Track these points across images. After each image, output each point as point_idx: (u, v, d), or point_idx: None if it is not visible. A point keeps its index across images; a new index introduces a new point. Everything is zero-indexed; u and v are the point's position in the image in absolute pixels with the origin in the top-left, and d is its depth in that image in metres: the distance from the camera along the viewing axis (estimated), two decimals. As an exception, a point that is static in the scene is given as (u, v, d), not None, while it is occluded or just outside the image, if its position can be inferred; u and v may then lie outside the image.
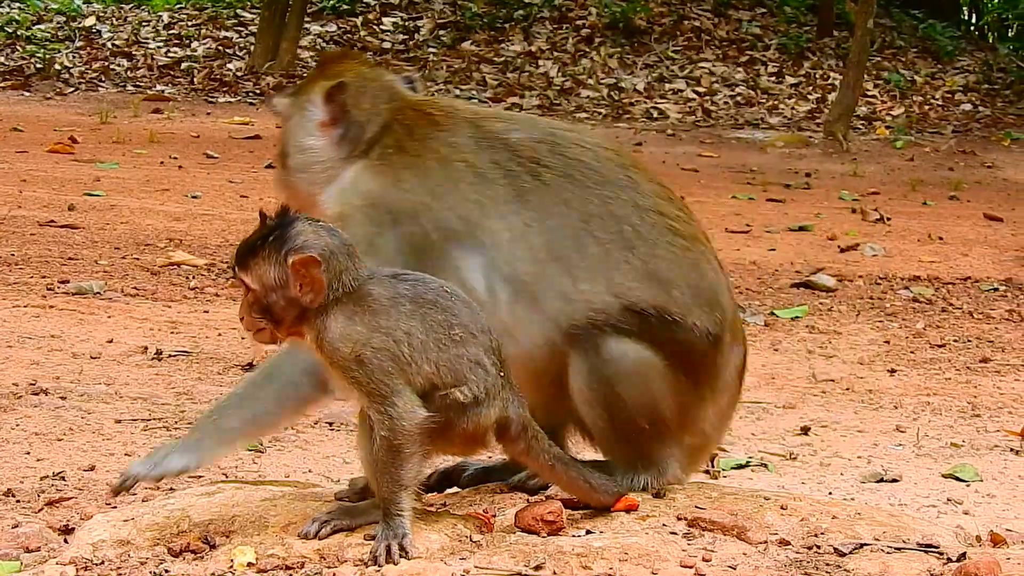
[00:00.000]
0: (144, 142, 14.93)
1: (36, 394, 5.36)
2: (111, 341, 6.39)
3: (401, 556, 2.79)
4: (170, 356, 6.27)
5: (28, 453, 4.70)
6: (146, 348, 6.34)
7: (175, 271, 8.11)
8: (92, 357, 6.11)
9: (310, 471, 4.53)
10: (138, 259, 8.28)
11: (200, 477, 4.07)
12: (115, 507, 3.55)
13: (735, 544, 3.04)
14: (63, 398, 5.38)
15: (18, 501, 4.01)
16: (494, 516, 3.14)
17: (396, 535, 2.81)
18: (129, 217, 9.94)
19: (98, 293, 7.35)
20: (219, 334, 6.74)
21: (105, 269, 8.02)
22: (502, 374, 2.84)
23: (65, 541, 3.35)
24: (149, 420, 5.22)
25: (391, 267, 2.99)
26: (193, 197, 11.16)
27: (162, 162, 13.37)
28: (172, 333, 6.75)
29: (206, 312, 7.23)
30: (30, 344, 6.21)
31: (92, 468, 4.55)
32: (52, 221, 9.31)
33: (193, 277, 7.95)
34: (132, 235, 9.13)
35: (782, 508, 3.22)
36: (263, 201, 11.31)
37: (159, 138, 15.38)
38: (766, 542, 3.07)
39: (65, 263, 8.13)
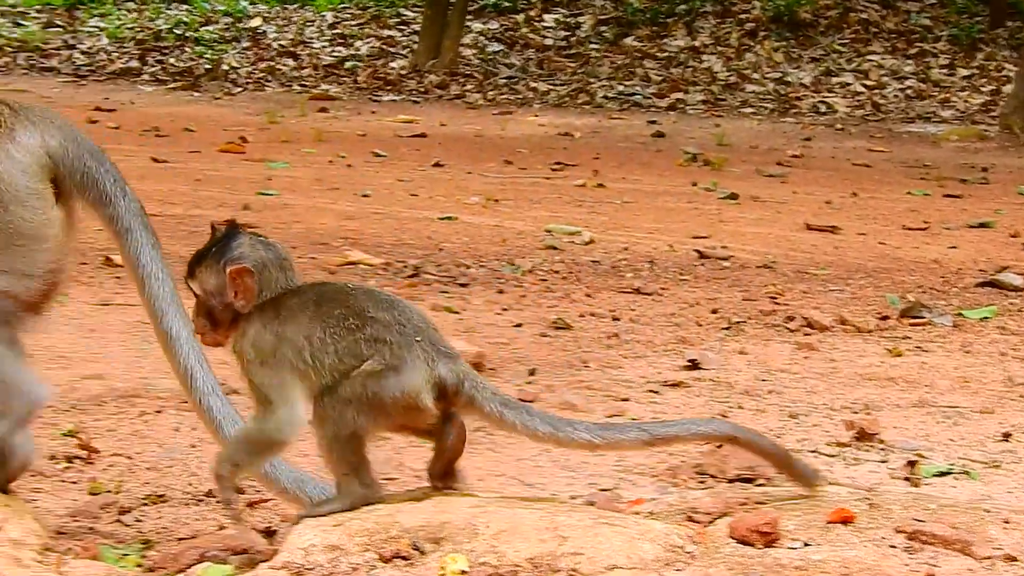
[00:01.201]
0: (312, 141, 15.09)
1: (230, 393, 5.25)
2: None
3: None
4: None
5: None
6: None
7: (352, 270, 8.03)
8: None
9: (503, 475, 4.48)
10: (315, 258, 8.22)
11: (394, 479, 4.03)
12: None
13: (959, 559, 2.95)
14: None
15: (218, 502, 3.90)
16: (706, 526, 3.10)
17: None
18: (303, 216, 10.01)
19: None
20: None
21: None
22: (418, 339, 2.98)
23: (269, 543, 3.37)
24: None
25: None
26: (364, 196, 11.23)
27: (331, 161, 13.49)
28: None
29: None
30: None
31: None
32: (233, 221, 9.33)
33: (371, 276, 7.80)
34: (307, 234, 9.14)
35: (1005, 522, 3.12)
36: (432, 199, 11.35)
37: (326, 137, 15.53)
38: (991, 557, 2.97)
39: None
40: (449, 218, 10.20)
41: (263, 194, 10.85)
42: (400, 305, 3.07)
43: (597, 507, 3.40)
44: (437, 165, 13.67)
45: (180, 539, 3.54)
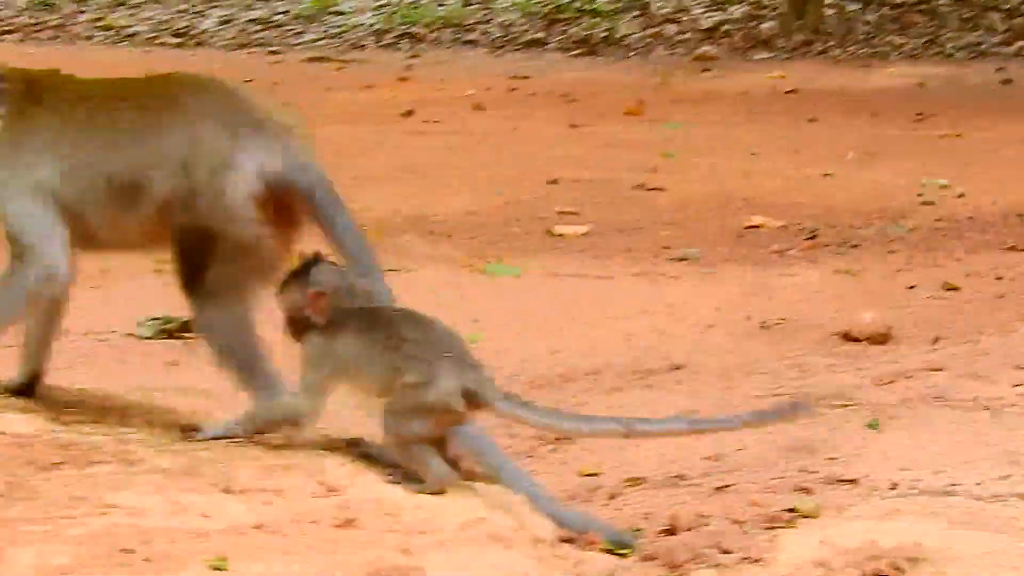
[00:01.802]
0: (698, 101, 14.80)
1: (673, 370, 5.00)
2: (719, 309, 5.99)
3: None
4: (775, 324, 5.72)
5: None
6: (749, 316, 5.85)
7: (755, 232, 7.66)
8: (709, 326, 5.71)
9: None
10: (721, 222, 7.99)
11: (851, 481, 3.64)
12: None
13: None
14: (696, 372, 4.96)
15: (689, 484, 3.76)
16: None
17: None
18: (703, 177, 9.62)
19: (697, 259, 6.96)
20: (806, 300, 6.18)
21: (696, 232, 7.64)
22: (448, 354, 3.15)
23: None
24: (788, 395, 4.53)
25: None
26: (752, 154, 10.86)
27: (717, 120, 13.18)
28: (768, 299, 6.19)
29: (792, 276, 6.65)
30: (652, 312, 5.88)
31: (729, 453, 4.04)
32: (642, 184, 9.26)
33: (775, 240, 7.43)
34: (711, 196, 8.78)
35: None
36: (812, 155, 10.90)
37: (711, 96, 15.23)
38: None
39: (664, 227, 7.79)
40: (829, 175, 9.83)
41: (666, 155, 10.67)
42: (434, 326, 3.24)
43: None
44: (812, 120, 13.24)
45: (664, 530, 3.33)
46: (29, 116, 3.33)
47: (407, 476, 3.15)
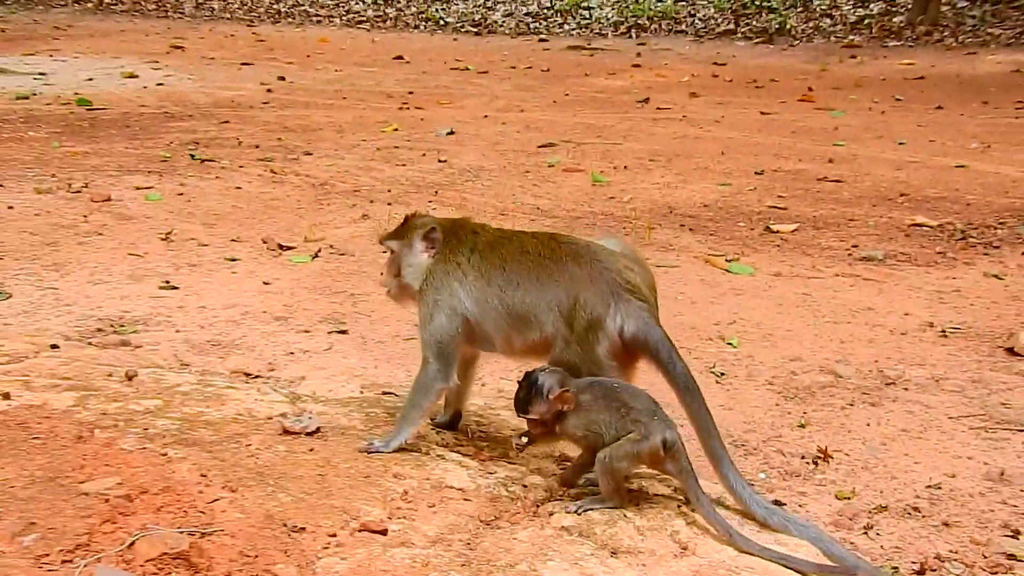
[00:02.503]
0: (852, 87, 13.92)
1: (887, 385, 4.40)
2: (907, 315, 5.27)
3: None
4: (952, 331, 5.02)
5: (907, 455, 3.73)
6: (932, 323, 5.13)
7: (918, 232, 6.88)
8: (902, 334, 5.00)
9: None
10: (888, 218, 7.26)
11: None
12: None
13: None
14: (905, 388, 4.35)
15: (922, 517, 3.36)
16: None
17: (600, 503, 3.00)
18: (867, 167, 8.84)
19: (880, 260, 6.24)
20: (970, 307, 5.39)
21: (872, 230, 6.91)
22: (655, 416, 2.93)
23: None
24: (979, 417, 4.00)
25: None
26: (899, 144, 10.08)
27: (869, 108, 12.33)
28: (941, 304, 5.45)
29: (955, 280, 5.87)
30: (856, 318, 5.24)
31: (943, 481, 3.53)
32: (824, 177, 8.65)
33: (935, 242, 6.64)
34: (875, 189, 8.09)
35: None
36: (944, 144, 10.06)
37: (861, 83, 14.30)
38: None
39: (847, 224, 7.05)
40: (962, 166, 9.06)
41: (837, 145, 10.03)
42: (642, 395, 3.00)
43: None
44: (938, 108, 12.30)
45: (915, 572, 3.01)
46: (454, 256, 3.27)
47: (594, 500, 2.99)
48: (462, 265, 3.22)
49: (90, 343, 4.61)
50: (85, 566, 2.34)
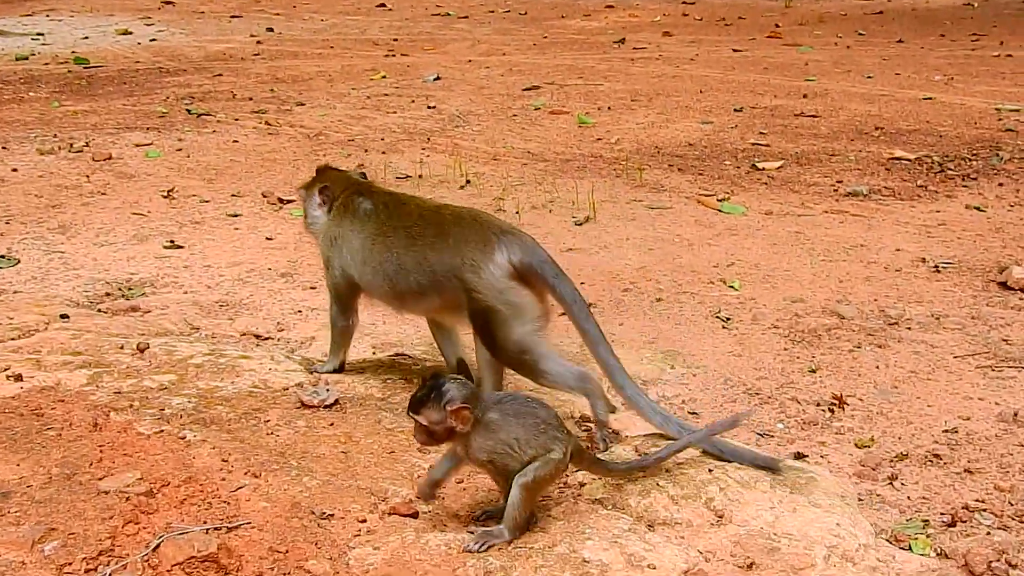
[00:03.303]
0: (816, 23, 13.48)
1: (890, 325, 4.07)
2: (898, 250, 4.95)
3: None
4: (944, 266, 4.70)
5: (919, 398, 3.44)
6: (924, 259, 4.80)
7: (898, 165, 6.52)
8: (897, 271, 4.67)
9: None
10: (867, 152, 6.91)
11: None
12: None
13: None
14: (909, 328, 4.02)
15: (944, 464, 3.08)
16: None
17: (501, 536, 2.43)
18: (839, 102, 8.43)
19: (865, 195, 5.89)
20: (957, 239, 5.08)
21: (853, 164, 6.55)
22: (562, 430, 2.48)
23: None
24: (983, 355, 3.68)
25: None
26: (868, 78, 9.70)
27: (835, 43, 11.92)
28: (929, 238, 5.12)
29: (939, 213, 5.52)
30: (850, 255, 4.92)
31: (959, 424, 3.24)
32: (800, 112, 8.29)
33: (915, 175, 6.29)
34: (850, 123, 7.83)
35: None
36: (910, 77, 9.69)
37: (824, 19, 13.85)
38: None
39: (829, 159, 6.67)
40: (929, 98, 8.71)
41: (808, 80, 9.65)
42: (549, 409, 2.50)
43: None
44: (899, 42, 11.90)
45: (945, 524, 2.74)
46: (346, 219, 3.23)
47: (490, 535, 2.43)
48: (353, 231, 3.14)
49: (99, 310, 4.28)
50: (110, 575, 2.04)
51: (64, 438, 2.64)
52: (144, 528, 2.23)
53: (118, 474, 2.43)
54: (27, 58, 11.00)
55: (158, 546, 2.16)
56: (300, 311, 4.38)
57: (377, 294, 3.15)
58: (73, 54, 11.09)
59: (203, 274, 4.83)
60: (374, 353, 3.75)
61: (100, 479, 2.41)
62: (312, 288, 4.66)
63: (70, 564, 2.11)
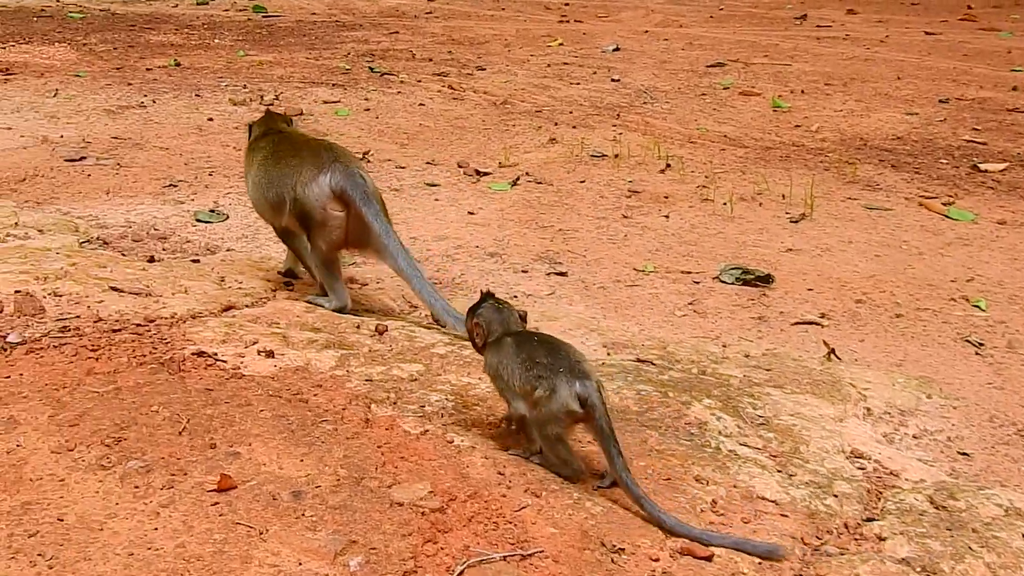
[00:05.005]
0: (1012, 5, 12.59)
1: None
2: None
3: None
4: None
5: None
6: None
7: None
8: None
9: None
10: None
11: None
12: None
13: None
14: None
15: None
16: None
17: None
18: None
19: None
20: None
21: None
22: (562, 371, 2.52)
23: None
24: None
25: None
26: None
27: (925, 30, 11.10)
28: None
29: None
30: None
31: None
32: (1016, 108, 7.68)
33: None
34: None
35: None
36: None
37: (1022, 1, 12.93)
38: None
39: None
40: None
41: (1015, 71, 8.97)
42: (560, 348, 2.60)
43: None
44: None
45: None
46: (252, 152, 3.89)
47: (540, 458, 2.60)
48: (253, 161, 3.79)
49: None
50: (420, 602, 1.93)
51: (340, 433, 2.55)
52: (443, 549, 2.12)
53: (406, 483, 2.32)
54: (208, 3, 11.16)
55: (462, 572, 2.04)
56: (516, 296, 4.23)
57: (259, 209, 3.82)
58: (251, 1, 11.19)
59: (410, 247, 4.73)
60: (608, 354, 3.58)
61: (389, 487, 2.30)
62: (524, 272, 4.51)
63: (376, 583, 2.01)
